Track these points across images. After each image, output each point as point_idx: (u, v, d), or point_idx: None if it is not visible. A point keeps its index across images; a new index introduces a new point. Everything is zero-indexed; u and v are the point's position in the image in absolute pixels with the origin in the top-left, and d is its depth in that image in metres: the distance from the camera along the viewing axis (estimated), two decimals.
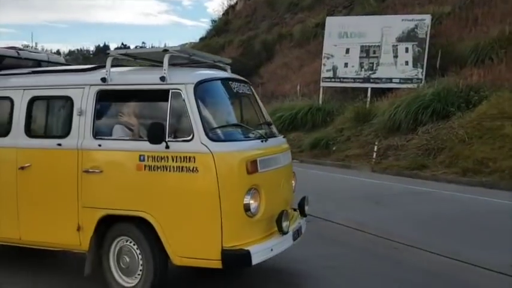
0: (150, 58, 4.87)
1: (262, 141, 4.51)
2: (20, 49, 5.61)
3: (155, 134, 4.02)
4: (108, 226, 4.42)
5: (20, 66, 5.34)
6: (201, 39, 33.42)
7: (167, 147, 4.07)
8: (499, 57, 14.78)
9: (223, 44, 29.68)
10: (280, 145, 4.86)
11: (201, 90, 4.23)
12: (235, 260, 4.02)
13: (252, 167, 4.15)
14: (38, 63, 5.59)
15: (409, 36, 17.31)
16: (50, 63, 5.75)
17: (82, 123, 4.42)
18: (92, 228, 4.38)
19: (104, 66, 4.64)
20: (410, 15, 18.03)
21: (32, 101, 4.69)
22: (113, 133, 4.48)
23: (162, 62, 4.82)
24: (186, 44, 31.95)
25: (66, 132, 4.50)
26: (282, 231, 4.33)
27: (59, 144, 4.49)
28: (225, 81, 4.70)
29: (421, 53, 17.05)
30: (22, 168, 4.61)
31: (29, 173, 4.60)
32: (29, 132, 4.67)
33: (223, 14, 34.18)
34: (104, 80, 4.38)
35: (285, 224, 4.34)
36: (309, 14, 25.68)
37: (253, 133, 4.60)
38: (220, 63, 5.10)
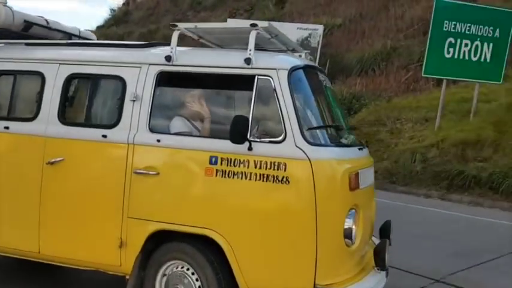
0: (221, 37, 3.91)
1: (359, 149, 3.64)
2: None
3: (239, 131, 3.09)
4: (157, 245, 3.47)
5: (47, 38, 4.39)
6: (98, 27, 31.26)
7: (250, 148, 3.16)
8: (380, 69, 16.13)
9: (122, 34, 27.94)
10: (370, 156, 3.98)
11: (295, 78, 3.32)
12: None
13: (355, 181, 3.27)
14: (69, 36, 4.64)
15: (302, 44, 17.20)
16: (80, 38, 4.79)
17: (136, 112, 3.48)
18: (139, 246, 3.42)
19: (161, 44, 3.73)
20: (305, 24, 18.33)
21: (70, 78, 3.72)
22: (171, 127, 3.56)
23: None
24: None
25: (114, 121, 3.54)
26: (383, 267, 3.44)
27: (104, 136, 3.53)
28: (314, 70, 3.81)
29: (313, 61, 17.04)
30: (51, 162, 3.62)
31: (60, 170, 3.62)
32: (64, 117, 3.68)
33: (123, 4, 33.00)
34: (168, 58, 3.45)
35: (387, 258, 3.44)
36: (211, 14, 25.35)
37: (347, 138, 3.72)
38: (293, 51, 4.18)
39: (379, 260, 3.41)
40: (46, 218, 3.66)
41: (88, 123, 3.68)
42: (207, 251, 3.30)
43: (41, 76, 3.77)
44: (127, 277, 3.50)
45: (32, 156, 3.71)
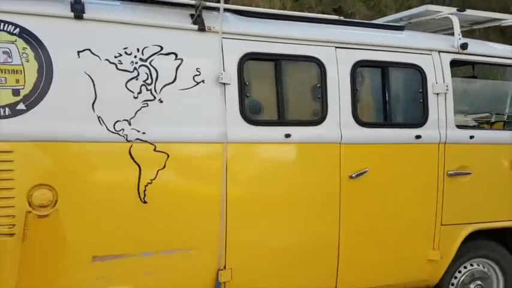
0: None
1: None
2: None
3: None
4: None
5: None
6: None
7: None
8: None
9: None
10: None
11: None
12: None
13: None
14: None
15: None
16: None
17: (442, 106, 3.07)
18: (453, 253, 3.18)
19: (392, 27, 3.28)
20: None
21: (356, 67, 2.90)
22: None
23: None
24: None
25: (422, 118, 3.03)
26: None
27: (418, 137, 2.99)
28: None
29: None
30: (353, 176, 2.84)
31: (364, 183, 2.88)
32: (358, 117, 2.89)
33: None
34: (464, 46, 3.14)
35: None
36: None
37: None
38: None
39: None
40: (346, 246, 2.89)
41: (393, 123, 3.00)
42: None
43: (316, 64, 2.81)
44: None
45: (324, 169, 2.82)
